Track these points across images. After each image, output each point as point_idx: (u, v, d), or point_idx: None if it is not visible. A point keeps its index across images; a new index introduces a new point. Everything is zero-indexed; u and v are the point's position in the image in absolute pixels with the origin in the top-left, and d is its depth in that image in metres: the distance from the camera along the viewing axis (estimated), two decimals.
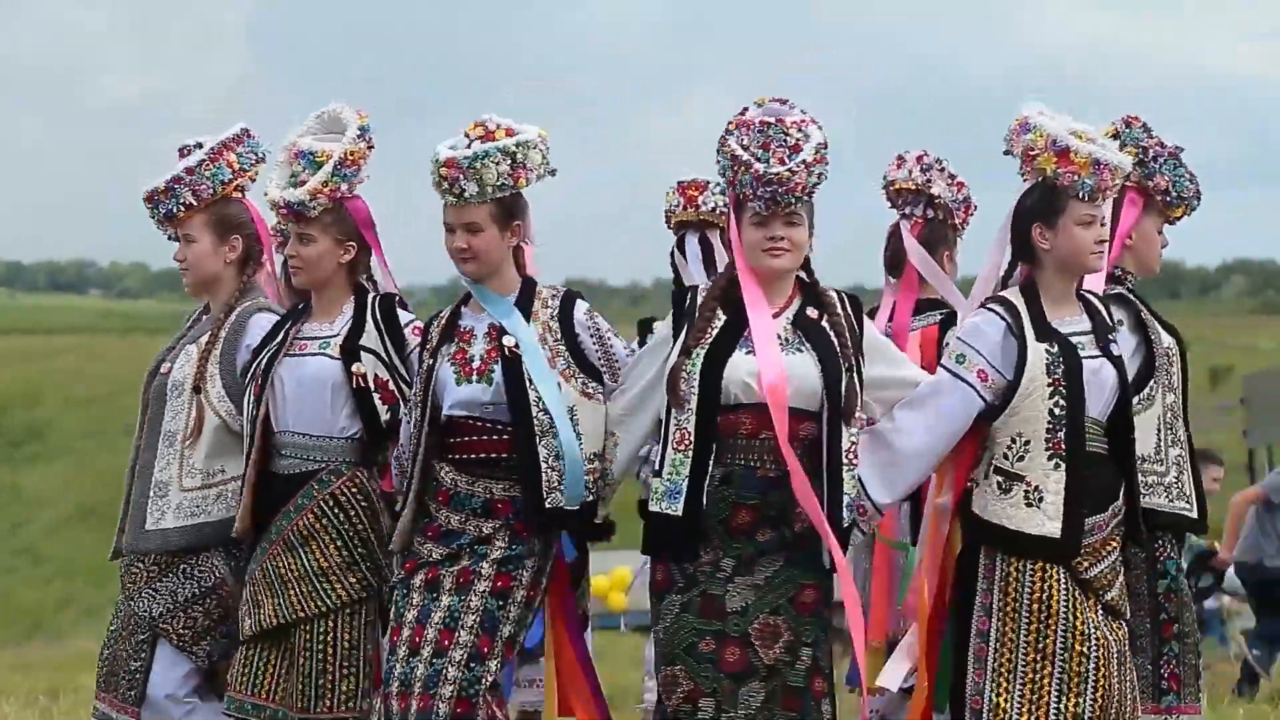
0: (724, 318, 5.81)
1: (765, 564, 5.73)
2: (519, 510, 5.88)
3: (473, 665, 5.80)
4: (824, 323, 5.83)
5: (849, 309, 5.88)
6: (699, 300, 5.86)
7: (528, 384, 5.85)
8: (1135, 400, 6.09)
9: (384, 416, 6.14)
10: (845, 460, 5.72)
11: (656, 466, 5.78)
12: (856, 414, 5.76)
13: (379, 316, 6.19)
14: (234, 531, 6.18)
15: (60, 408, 53.93)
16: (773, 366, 5.73)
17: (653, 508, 5.74)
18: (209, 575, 6.35)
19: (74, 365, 60.02)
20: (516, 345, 5.87)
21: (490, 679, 5.83)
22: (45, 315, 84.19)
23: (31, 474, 48.60)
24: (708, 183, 7.41)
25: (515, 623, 5.88)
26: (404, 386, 6.16)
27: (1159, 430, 6.19)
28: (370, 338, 6.16)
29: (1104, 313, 6.02)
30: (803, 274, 5.90)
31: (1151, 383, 6.17)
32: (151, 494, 6.34)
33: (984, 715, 5.79)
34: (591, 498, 5.90)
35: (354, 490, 6.13)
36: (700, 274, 7.19)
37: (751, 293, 5.81)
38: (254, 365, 6.25)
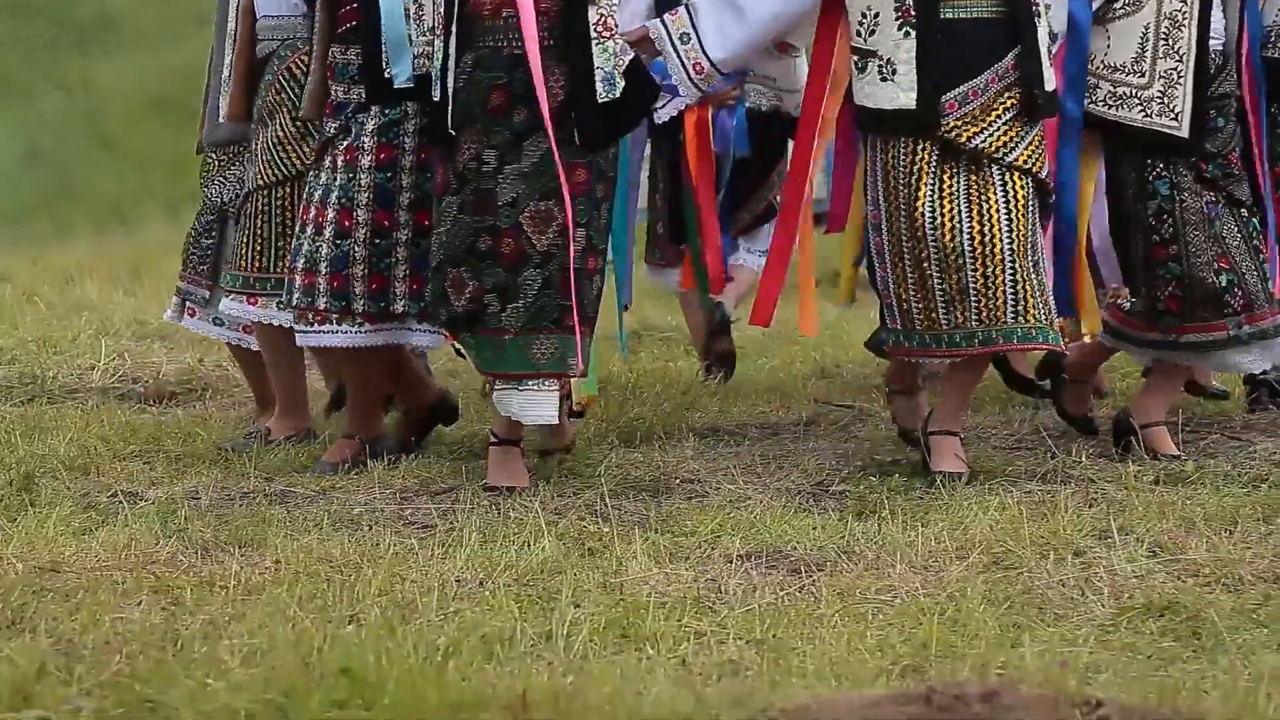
0: None
1: (531, 149, 5.78)
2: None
3: (378, 241, 5.99)
4: None
5: None
6: None
7: None
8: (1118, 4, 5.94)
9: None
10: (594, 34, 5.74)
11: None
12: None
13: None
14: (222, 117, 6.50)
15: None
16: None
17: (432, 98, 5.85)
18: None
19: None
20: None
21: (401, 250, 5.99)
22: None
23: (103, 65, 48.34)
24: None
25: (413, 189, 6.02)
26: None
27: (1144, 39, 5.97)
28: None
29: None
30: None
31: None
32: (221, 89, 6.61)
33: (893, 309, 5.82)
34: None
35: (308, 64, 6.27)
36: None
37: None
38: None
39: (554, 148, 5.71)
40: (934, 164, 5.73)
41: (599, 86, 5.78)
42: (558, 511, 5.48)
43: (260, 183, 6.38)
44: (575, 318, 5.79)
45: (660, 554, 5.03)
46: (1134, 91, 5.99)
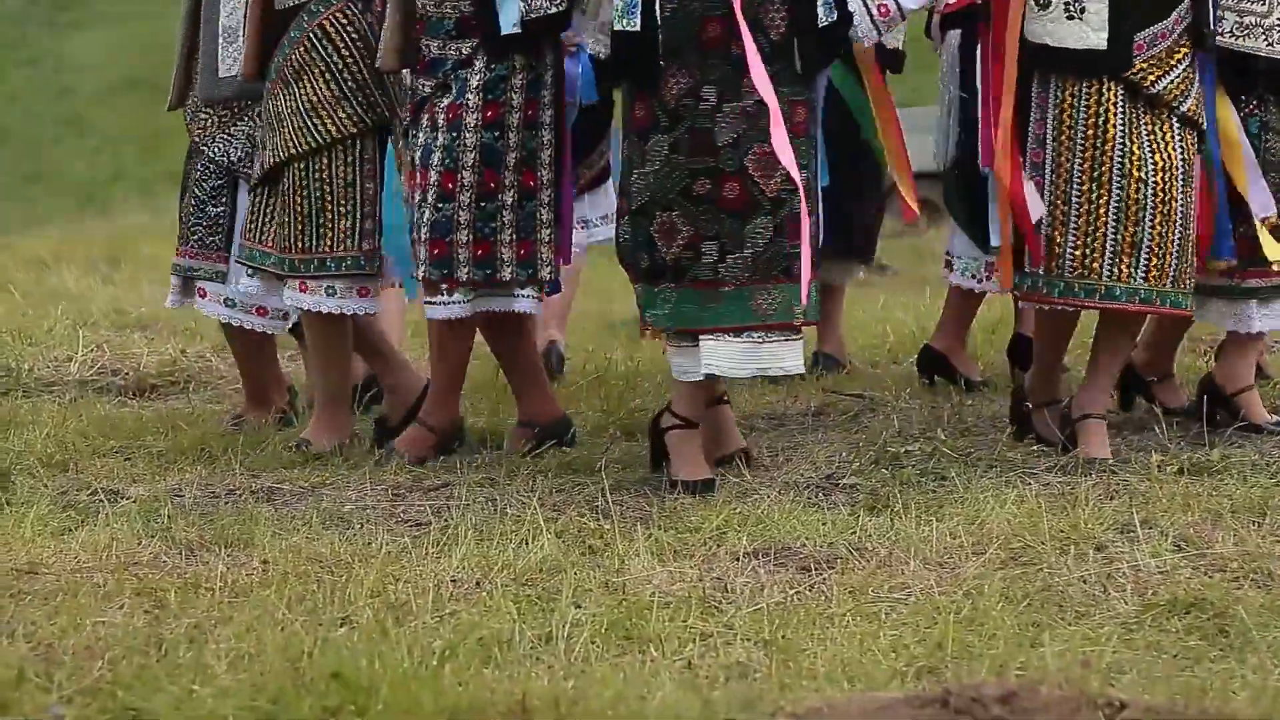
0: None
1: (750, 86, 5.54)
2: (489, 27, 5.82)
3: (484, 204, 5.84)
4: None
5: None
6: None
7: None
8: None
9: None
10: None
11: None
12: None
13: None
14: (240, 75, 6.22)
15: None
16: None
17: (615, 27, 5.64)
18: None
19: None
20: None
21: (508, 214, 5.85)
22: None
23: (74, 42, 48.36)
24: None
25: (519, 148, 5.86)
26: None
27: None
28: None
29: None
30: None
31: None
32: (221, 41, 6.36)
33: (1039, 250, 5.74)
34: (555, 9, 5.79)
35: (343, 22, 6.11)
36: None
37: None
38: None
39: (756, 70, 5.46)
40: (1121, 108, 5.70)
41: (819, 10, 5.61)
42: (556, 508, 5.41)
43: (292, 153, 6.10)
44: (805, 264, 5.54)
45: (664, 551, 4.97)
46: (1258, 20, 5.99)
